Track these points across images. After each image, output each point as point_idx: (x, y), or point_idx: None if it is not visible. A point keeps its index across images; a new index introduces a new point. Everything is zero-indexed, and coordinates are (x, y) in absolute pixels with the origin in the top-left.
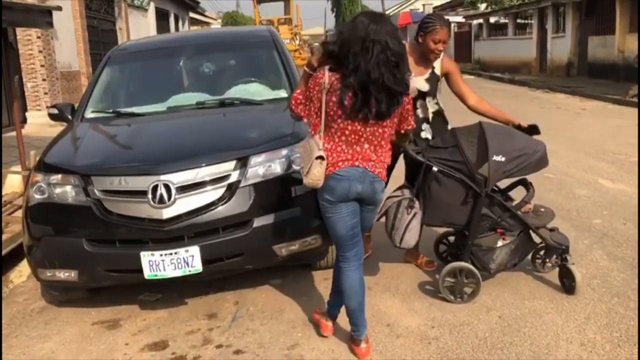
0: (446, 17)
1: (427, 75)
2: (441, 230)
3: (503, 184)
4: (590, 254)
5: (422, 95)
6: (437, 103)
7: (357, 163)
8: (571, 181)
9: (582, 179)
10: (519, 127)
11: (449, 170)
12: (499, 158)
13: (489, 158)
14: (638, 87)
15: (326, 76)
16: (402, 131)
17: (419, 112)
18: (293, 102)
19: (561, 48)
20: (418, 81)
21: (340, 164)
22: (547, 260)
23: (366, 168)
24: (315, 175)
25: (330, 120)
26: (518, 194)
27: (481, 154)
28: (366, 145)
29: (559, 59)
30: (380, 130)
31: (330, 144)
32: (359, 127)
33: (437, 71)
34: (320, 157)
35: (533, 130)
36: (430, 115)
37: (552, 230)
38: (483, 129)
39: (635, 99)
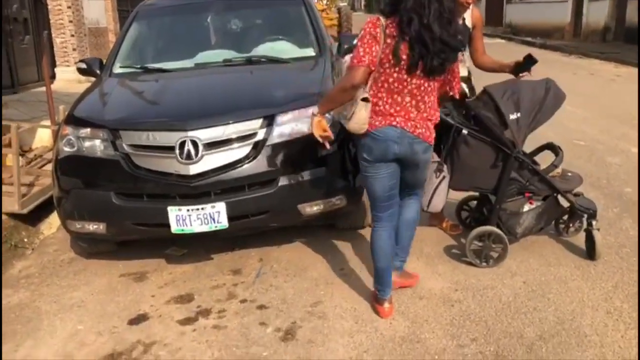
0: None
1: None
2: (460, 195)
3: (529, 148)
4: (619, 223)
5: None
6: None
7: (394, 122)
8: (602, 149)
9: (614, 146)
10: (517, 66)
11: (478, 133)
12: (514, 116)
13: (506, 120)
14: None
15: (382, 20)
16: (451, 94)
17: None
18: (364, 54)
19: (598, 12)
20: None
21: (377, 121)
22: (571, 224)
23: (404, 128)
24: (360, 119)
25: (379, 65)
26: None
27: (499, 119)
28: (408, 98)
29: (595, 23)
30: (425, 85)
31: (371, 90)
32: (405, 77)
33: (468, 22)
34: (366, 99)
35: (530, 61)
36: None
37: (577, 195)
38: (490, 94)
39: None
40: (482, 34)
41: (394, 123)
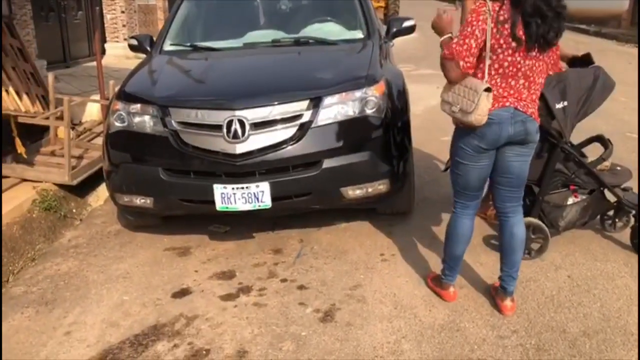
0: None
1: None
2: None
3: (577, 139)
4: None
5: None
6: None
7: (507, 103)
8: None
9: None
10: (573, 59)
11: None
12: (561, 105)
13: (552, 110)
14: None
15: (489, 4)
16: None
17: None
18: (461, 50)
19: None
20: None
21: (494, 102)
22: (618, 220)
23: (517, 108)
24: (483, 110)
25: (491, 52)
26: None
27: (546, 108)
28: (522, 81)
29: None
30: (537, 64)
31: (484, 78)
32: (518, 59)
33: None
34: (488, 89)
35: (587, 61)
36: None
37: (625, 190)
38: None
39: None
40: None
41: (507, 104)
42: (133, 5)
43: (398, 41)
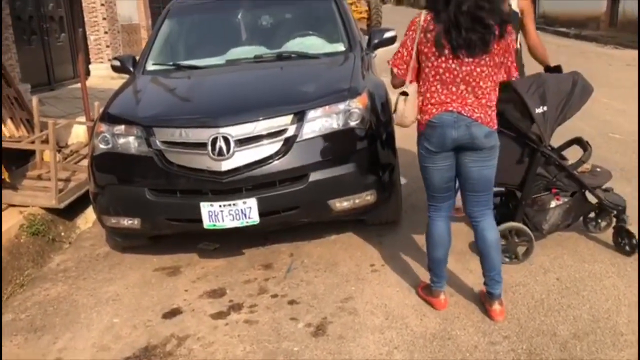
0: None
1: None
2: None
3: (559, 142)
4: None
5: None
6: (515, 40)
7: (450, 108)
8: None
9: None
10: (547, 69)
11: (504, 129)
12: (540, 109)
13: (532, 114)
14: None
15: (422, 15)
16: (512, 77)
17: None
18: (396, 59)
19: (634, 1)
20: None
21: (434, 109)
22: (600, 221)
23: (461, 112)
24: (400, 112)
25: (425, 59)
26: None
27: (525, 113)
28: (462, 86)
29: (631, 13)
30: (478, 70)
31: (425, 86)
32: (453, 66)
33: (515, 7)
34: (403, 93)
35: (558, 70)
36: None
37: (606, 190)
38: (515, 88)
39: None
40: (531, 19)
41: (450, 108)
42: (116, 25)
43: (381, 51)
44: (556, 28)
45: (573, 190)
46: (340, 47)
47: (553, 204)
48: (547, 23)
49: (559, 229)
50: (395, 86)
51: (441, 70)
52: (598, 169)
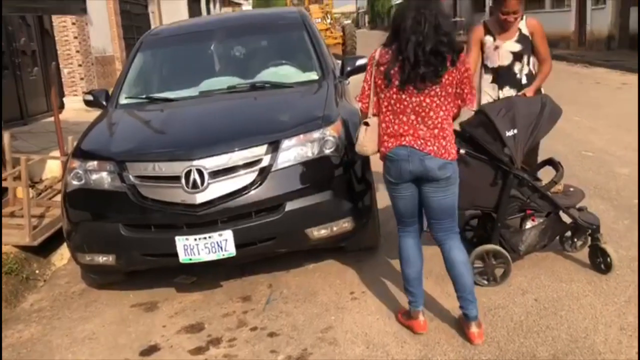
0: None
1: (515, 37)
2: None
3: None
4: (630, 235)
5: (517, 57)
6: (528, 64)
7: (404, 142)
8: (611, 159)
9: (622, 157)
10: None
11: (476, 152)
12: (511, 132)
13: (503, 137)
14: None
15: (377, 51)
16: (462, 107)
17: (518, 75)
18: (361, 94)
19: (601, 20)
20: (507, 45)
21: (390, 142)
22: (576, 239)
23: (414, 147)
24: (360, 141)
25: (379, 91)
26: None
27: (496, 137)
28: (412, 116)
29: (598, 31)
30: (427, 100)
31: (381, 116)
32: (403, 97)
33: (525, 32)
34: (365, 123)
35: None
36: (525, 79)
37: (580, 209)
38: (485, 113)
39: None
40: (541, 38)
41: (404, 142)
42: (90, 57)
43: (355, 78)
44: None
45: (548, 211)
46: (314, 75)
47: (528, 225)
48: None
49: (536, 250)
50: (363, 119)
51: (392, 101)
52: (571, 189)
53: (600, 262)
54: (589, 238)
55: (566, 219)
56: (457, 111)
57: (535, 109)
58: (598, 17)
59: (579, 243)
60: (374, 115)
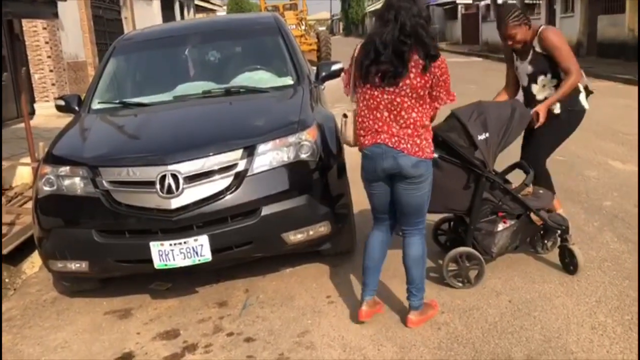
0: None
1: (529, 57)
2: (435, 217)
3: (500, 167)
4: (600, 237)
5: (532, 79)
6: (552, 82)
7: (379, 140)
8: (581, 163)
9: (591, 160)
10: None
11: (449, 156)
12: (483, 136)
13: (475, 141)
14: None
15: (357, 47)
16: (438, 107)
17: (537, 95)
18: (343, 77)
19: (570, 28)
20: (523, 66)
21: (366, 139)
22: (546, 241)
23: (388, 145)
24: (343, 133)
25: (357, 85)
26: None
27: (469, 140)
28: (386, 113)
29: (567, 38)
30: (398, 100)
31: (358, 110)
32: (376, 93)
33: (538, 49)
34: (344, 115)
35: None
36: (543, 97)
37: (550, 211)
38: (457, 117)
39: None
40: (558, 52)
41: (379, 140)
42: (62, 63)
43: (331, 84)
44: (499, 55)
45: (518, 213)
46: (289, 80)
47: (500, 227)
48: (490, 50)
49: (508, 251)
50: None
51: (367, 96)
52: (540, 191)
53: (568, 262)
54: (559, 239)
55: (536, 220)
56: (433, 113)
57: (506, 113)
58: (567, 25)
59: (549, 244)
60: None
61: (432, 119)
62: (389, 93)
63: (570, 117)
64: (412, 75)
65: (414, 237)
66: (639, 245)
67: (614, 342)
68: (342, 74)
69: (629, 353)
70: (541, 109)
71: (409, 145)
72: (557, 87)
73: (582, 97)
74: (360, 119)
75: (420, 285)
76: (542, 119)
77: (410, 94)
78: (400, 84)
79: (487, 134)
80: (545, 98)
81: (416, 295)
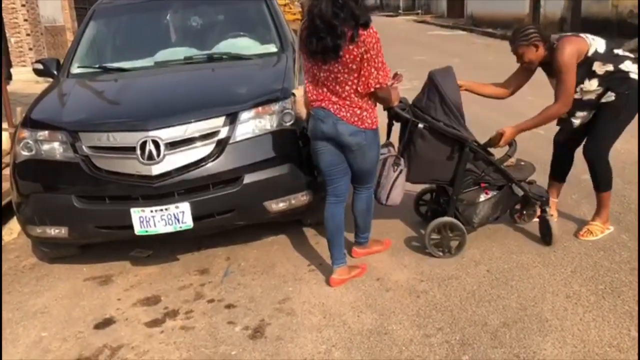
0: None
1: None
2: (416, 188)
3: (483, 139)
4: (578, 209)
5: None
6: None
7: (323, 104)
8: None
9: None
10: None
11: (435, 126)
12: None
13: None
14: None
15: (303, 24)
16: (370, 89)
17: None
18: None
19: (554, 3)
20: (553, 82)
21: (315, 103)
22: (525, 212)
23: (329, 110)
24: (294, 108)
25: (303, 61)
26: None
27: (448, 111)
28: (324, 89)
29: (552, 14)
30: (332, 75)
31: (306, 84)
32: (315, 70)
33: (555, 65)
34: (292, 94)
35: None
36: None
37: (530, 183)
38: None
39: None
40: (557, 75)
41: (323, 105)
42: (39, 27)
43: None
44: (484, 29)
45: (500, 184)
46: (272, 48)
47: (482, 197)
48: (475, 24)
49: (489, 222)
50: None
51: (311, 72)
52: (522, 163)
53: (545, 233)
54: (538, 210)
55: (517, 191)
56: (366, 90)
57: (432, 86)
58: (551, 1)
59: (527, 215)
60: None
61: (378, 101)
62: (324, 70)
63: (627, 100)
64: (345, 48)
65: (361, 195)
66: (639, 240)
67: (587, 310)
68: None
69: (601, 321)
70: (509, 131)
71: (348, 114)
72: (604, 89)
73: (631, 70)
74: (307, 93)
75: (363, 228)
76: (502, 143)
77: (342, 70)
78: (336, 57)
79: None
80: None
81: (359, 235)
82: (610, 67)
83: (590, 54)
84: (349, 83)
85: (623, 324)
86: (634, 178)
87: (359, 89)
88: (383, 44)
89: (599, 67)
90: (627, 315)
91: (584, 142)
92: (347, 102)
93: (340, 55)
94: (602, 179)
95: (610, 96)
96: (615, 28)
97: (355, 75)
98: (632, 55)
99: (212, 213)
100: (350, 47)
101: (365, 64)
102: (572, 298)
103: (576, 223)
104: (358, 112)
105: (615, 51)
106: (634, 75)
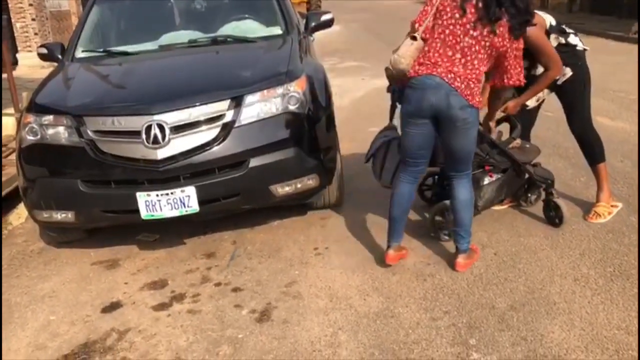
0: None
1: None
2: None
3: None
4: (586, 192)
5: None
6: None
7: (435, 72)
8: None
9: None
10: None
11: None
12: None
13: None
14: (638, 24)
15: None
16: (504, 83)
17: None
18: (420, 15)
19: None
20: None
21: (421, 70)
22: (530, 194)
23: (444, 79)
24: (401, 52)
25: (439, 17)
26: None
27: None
28: (458, 55)
29: None
30: (477, 47)
31: (427, 43)
32: (459, 32)
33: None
34: (413, 37)
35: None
36: None
37: (535, 165)
38: None
39: (637, 36)
40: (540, 50)
41: (434, 72)
42: (44, 12)
43: (323, 35)
44: None
45: (504, 167)
46: (277, 30)
47: (486, 180)
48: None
49: (493, 205)
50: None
51: (447, 32)
52: (527, 145)
53: (553, 215)
54: (543, 193)
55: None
56: (496, 85)
57: None
58: None
59: (533, 197)
60: (422, 38)
61: (495, 93)
62: (472, 38)
63: (582, 70)
64: (497, 32)
65: (462, 181)
66: (639, 237)
67: (596, 293)
68: (421, 12)
69: (609, 304)
70: (511, 104)
71: (463, 86)
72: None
73: (576, 43)
74: (427, 51)
75: (468, 228)
76: (511, 110)
77: (487, 50)
78: (486, 32)
79: None
80: None
81: (464, 237)
82: (562, 40)
83: (548, 27)
84: (484, 62)
85: (632, 306)
86: None
87: (482, 74)
88: (395, 25)
89: (554, 40)
90: (636, 298)
91: (569, 123)
92: (469, 74)
93: (490, 36)
94: (594, 149)
95: (567, 73)
96: (625, 9)
97: (488, 60)
98: (573, 31)
99: (217, 197)
100: (504, 35)
101: (510, 61)
102: (580, 281)
103: (585, 206)
104: (472, 85)
105: (562, 26)
106: (580, 48)
